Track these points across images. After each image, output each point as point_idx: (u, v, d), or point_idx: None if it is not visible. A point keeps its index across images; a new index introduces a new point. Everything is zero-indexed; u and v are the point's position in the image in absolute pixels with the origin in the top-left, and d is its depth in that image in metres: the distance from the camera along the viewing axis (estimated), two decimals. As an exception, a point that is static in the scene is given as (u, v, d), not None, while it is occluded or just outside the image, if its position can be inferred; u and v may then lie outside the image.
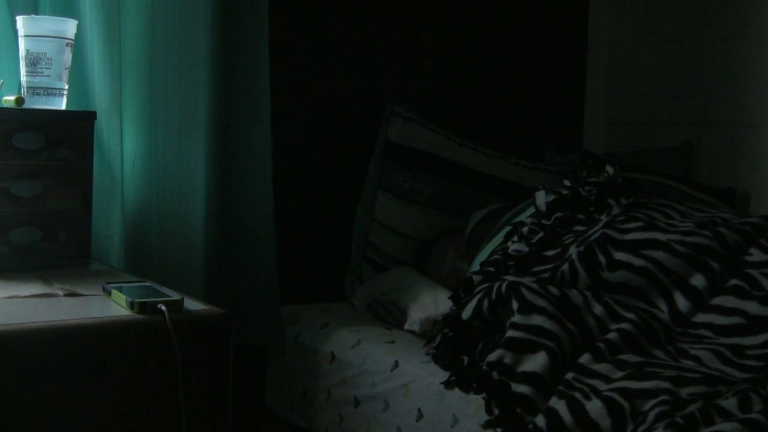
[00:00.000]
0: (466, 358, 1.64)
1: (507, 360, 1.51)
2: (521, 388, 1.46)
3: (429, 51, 2.50)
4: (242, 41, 2.02)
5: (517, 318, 1.55)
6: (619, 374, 1.43)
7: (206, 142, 1.96)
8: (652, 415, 1.31)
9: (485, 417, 1.53)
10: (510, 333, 1.54)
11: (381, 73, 2.40)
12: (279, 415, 2.09)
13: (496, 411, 1.48)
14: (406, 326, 1.97)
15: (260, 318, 2.07)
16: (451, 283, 2.07)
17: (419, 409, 1.69)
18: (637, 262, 1.66)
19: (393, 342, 1.90)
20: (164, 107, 1.95)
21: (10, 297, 1.44)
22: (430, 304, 1.98)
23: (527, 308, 1.56)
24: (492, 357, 1.53)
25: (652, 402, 1.34)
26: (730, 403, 1.30)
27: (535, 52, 2.67)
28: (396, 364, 1.78)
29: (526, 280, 1.64)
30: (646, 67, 2.66)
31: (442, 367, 1.68)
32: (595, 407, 1.37)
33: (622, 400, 1.36)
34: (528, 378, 1.47)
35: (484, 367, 1.53)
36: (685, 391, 1.36)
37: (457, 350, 1.67)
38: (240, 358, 1.59)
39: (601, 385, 1.41)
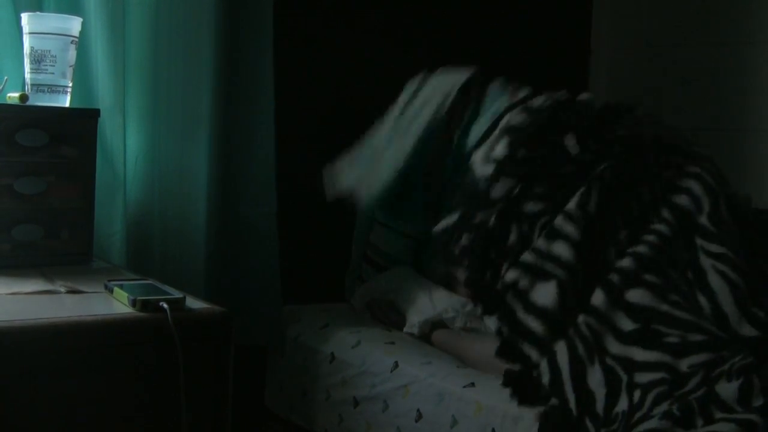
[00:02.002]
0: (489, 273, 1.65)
1: (521, 284, 1.55)
2: (532, 324, 1.49)
3: (431, 51, 2.50)
4: (246, 41, 2.02)
5: (540, 243, 1.58)
6: (630, 326, 1.44)
7: (209, 141, 1.96)
8: (649, 398, 1.32)
9: (484, 418, 1.52)
10: (528, 257, 1.57)
11: (384, 72, 2.40)
12: (279, 415, 2.09)
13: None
14: (405, 329, 1.97)
15: (261, 317, 2.07)
16: (444, 283, 2.06)
17: (418, 410, 1.69)
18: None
19: (393, 343, 1.90)
20: (167, 106, 1.95)
21: (12, 293, 1.44)
22: (427, 305, 1.98)
23: (553, 234, 1.58)
24: (508, 277, 1.57)
25: (650, 377, 1.36)
26: (729, 390, 1.30)
27: (538, 54, 2.67)
28: (396, 365, 1.78)
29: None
30: (648, 71, 2.66)
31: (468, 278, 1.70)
32: (594, 377, 1.39)
33: (621, 373, 1.39)
34: (539, 312, 1.51)
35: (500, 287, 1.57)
36: (686, 363, 1.36)
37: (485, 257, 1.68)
38: (240, 357, 1.59)
39: (611, 345, 1.43)
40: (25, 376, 1.25)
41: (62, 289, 1.48)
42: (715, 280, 1.52)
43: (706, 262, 1.54)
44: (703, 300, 1.50)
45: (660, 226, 1.57)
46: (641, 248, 1.54)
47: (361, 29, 2.38)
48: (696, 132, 2.53)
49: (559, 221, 1.58)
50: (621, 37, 2.73)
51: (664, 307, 1.47)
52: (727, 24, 2.45)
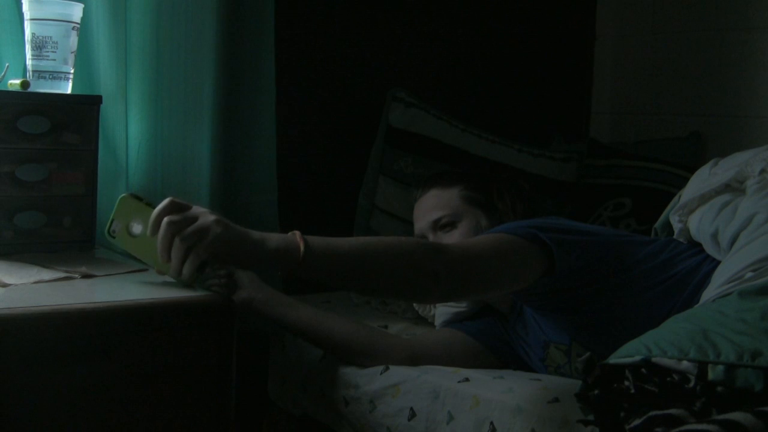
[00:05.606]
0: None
1: None
2: None
3: (433, 37, 2.49)
4: (248, 27, 2.01)
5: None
6: None
7: (211, 128, 1.96)
8: None
9: (481, 412, 1.50)
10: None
11: (383, 59, 2.39)
12: (282, 407, 2.08)
13: None
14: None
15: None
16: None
17: (411, 408, 1.65)
18: None
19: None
20: (169, 93, 1.94)
21: (15, 285, 1.43)
22: None
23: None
24: None
25: None
26: None
27: (542, 39, 2.66)
28: (386, 367, 1.73)
29: None
30: (653, 56, 2.65)
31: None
32: None
33: None
34: None
35: None
36: None
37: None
38: (244, 347, 1.59)
39: None
40: (27, 364, 1.25)
41: (59, 275, 1.47)
42: None
43: None
44: None
45: None
46: None
47: (362, 15, 2.37)
48: (701, 118, 2.52)
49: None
50: (626, 22, 2.72)
51: None
52: (734, 9, 2.44)
